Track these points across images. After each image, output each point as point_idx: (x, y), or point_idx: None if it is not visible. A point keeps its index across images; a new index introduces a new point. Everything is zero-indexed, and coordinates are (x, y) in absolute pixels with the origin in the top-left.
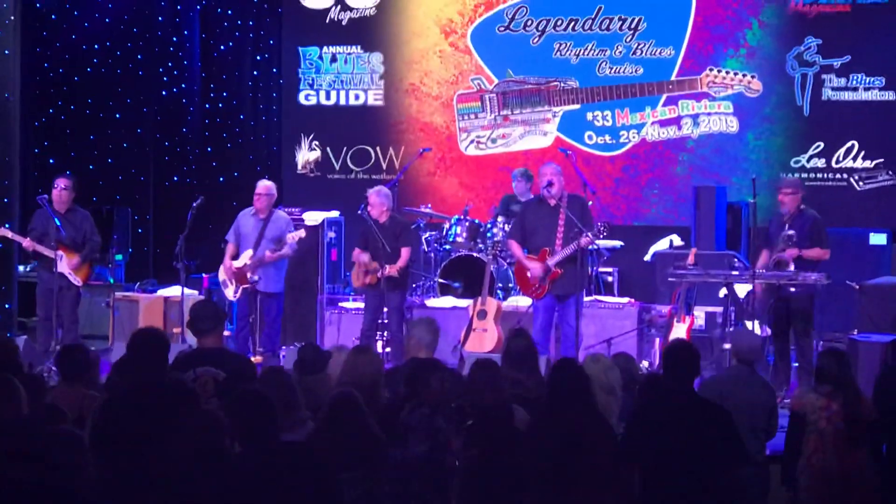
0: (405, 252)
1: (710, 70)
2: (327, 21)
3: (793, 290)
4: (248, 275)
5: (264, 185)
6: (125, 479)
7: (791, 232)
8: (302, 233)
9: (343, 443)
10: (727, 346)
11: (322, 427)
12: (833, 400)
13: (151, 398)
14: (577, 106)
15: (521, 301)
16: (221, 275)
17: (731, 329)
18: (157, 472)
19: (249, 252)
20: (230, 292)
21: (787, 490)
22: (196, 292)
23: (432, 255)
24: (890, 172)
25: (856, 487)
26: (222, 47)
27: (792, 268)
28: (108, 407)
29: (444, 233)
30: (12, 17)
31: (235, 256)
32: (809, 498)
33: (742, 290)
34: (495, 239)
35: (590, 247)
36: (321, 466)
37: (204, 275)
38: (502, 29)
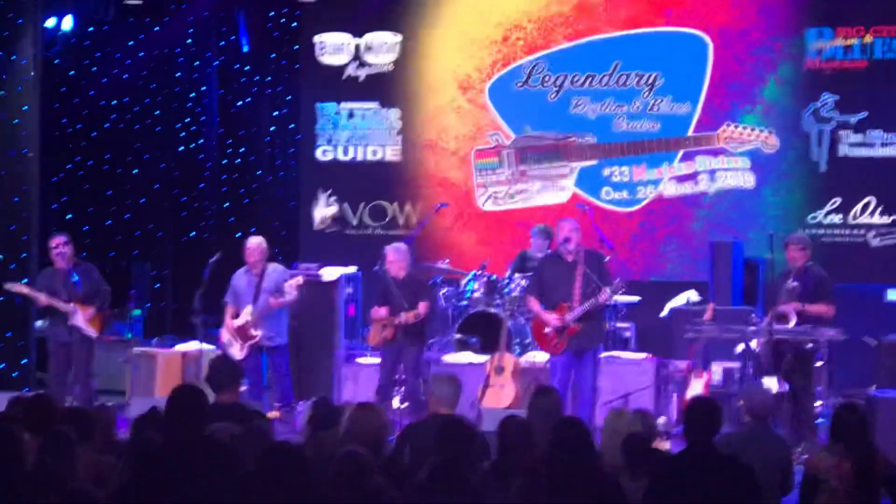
0: (423, 306)
1: (727, 126)
2: (344, 77)
3: (809, 345)
4: (252, 331)
5: (255, 242)
6: None
7: (794, 284)
8: (300, 279)
9: None
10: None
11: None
12: (846, 459)
13: (189, 455)
14: (594, 161)
15: (539, 357)
16: (225, 336)
17: (742, 385)
18: None
19: (249, 308)
20: (236, 351)
21: None
22: (213, 347)
23: (449, 310)
24: None
25: None
26: (240, 103)
27: (792, 322)
28: (142, 463)
29: (461, 288)
30: (31, 73)
31: (236, 316)
32: None
33: (759, 345)
34: (512, 294)
35: (607, 302)
36: None
37: (221, 330)
38: (520, 84)
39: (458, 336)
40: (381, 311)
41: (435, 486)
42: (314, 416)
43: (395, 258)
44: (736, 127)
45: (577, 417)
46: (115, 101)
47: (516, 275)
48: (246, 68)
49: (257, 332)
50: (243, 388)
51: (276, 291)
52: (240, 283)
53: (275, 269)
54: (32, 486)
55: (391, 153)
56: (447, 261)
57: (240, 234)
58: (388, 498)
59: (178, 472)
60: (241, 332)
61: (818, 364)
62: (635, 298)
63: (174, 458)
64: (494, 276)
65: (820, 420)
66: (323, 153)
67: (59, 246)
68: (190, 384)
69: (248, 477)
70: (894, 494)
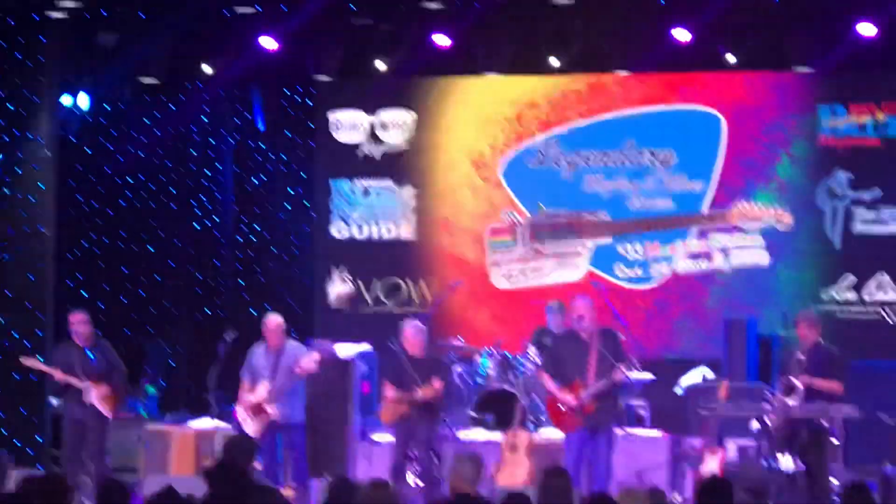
0: (437, 383)
1: (741, 203)
2: (359, 155)
3: (824, 422)
4: (268, 408)
5: (274, 321)
6: None
7: (802, 358)
8: (316, 356)
9: None
10: None
11: None
12: None
13: None
14: (608, 239)
15: (553, 434)
16: (240, 412)
17: (738, 464)
18: None
19: (266, 384)
20: (250, 428)
21: None
22: (227, 425)
23: (463, 388)
24: None
25: None
26: (255, 181)
27: (798, 394)
28: None
29: (475, 366)
30: (47, 151)
31: (252, 392)
32: None
33: (774, 423)
34: (527, 372)
35: (623, 381)
36: None
37: (235, 407)
38: (533, 163)
39: (472, 413)
40: (388, 391)
41: None
42: (331, 495)
43: (413, 335)
44: (750, 204)
45: (606, 494)
46: (131, 179)
47: (532, 350)
48: (261, 146)
49: (272, 410)
50: (258, 466)
51: (293, 369)
52: (258, 359)
53: (294, 346)
54: None
55: (405, 231)
56: (461, 338)
57: (255, 311)
58: None
59: None
60: (256, 409)
61: (833, 441)
62: (650, 376)
63: None
64: (508, 353)
65: (835, 498)
66: (338, 231)
67: (78, 324)
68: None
69: None
70: None
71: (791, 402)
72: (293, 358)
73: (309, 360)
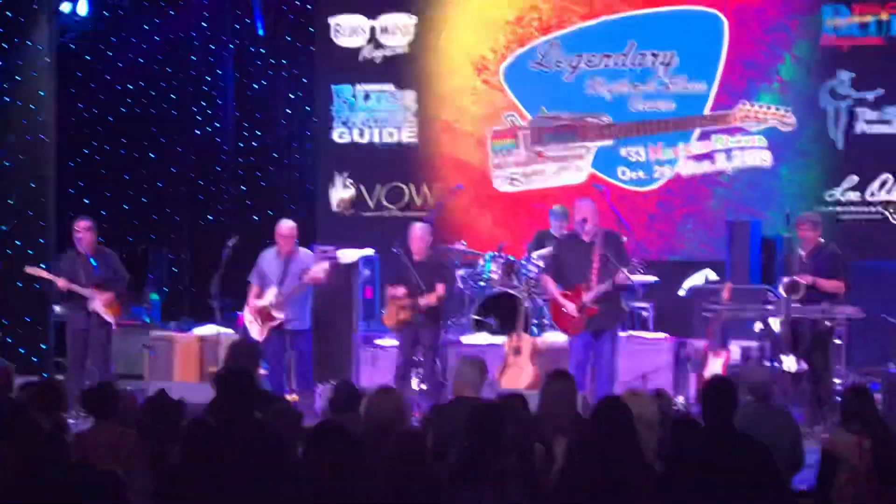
0: (440, 287)
1: (744, 104)
2: (360, 59)
3: (828, 323)
4: (274, 313)
5: (287, 227)
6: None
7: (802, 254)
8: (327, 265)
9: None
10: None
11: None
12: (864, 438)
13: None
14: (610, 142)
15: (557, 337)
16: (247, 315)
17: (741, 365)
18: None
19: (274, 290)
20: (256, 332)
21: None
22: (231, 331)
23: (467, 292)
24: None
25: None
26: (255, 86)
27: (801, 292)
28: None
29: (479, 270)
30: (47, 59)
31: (259, 297)
32: None
33: (777, 324)
34: (530, 276)
35: (625, 283)
36: None
37: (239, 313)
38: (535, 65)
39: (475, 317)
40: (398, 290)
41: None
42: (335, 399)
43: (419, 236)
44: (752, 105)
45: (619, 398)
46: (132, 86)
47: (534, 254)
48: (261, 51)
49: (279, 315)
50: (263, 372)
51: (301, 276)
52: (268, 264)
53: (305, 254)
54: (48, 463)
55: (407, 135)
56: (464, 242)
57: (257, 217)
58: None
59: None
60: (263, 314)
61: (837, 342)
62: (653, 278)
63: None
64: (511, 257)
65: (839, 399)
66: (339, 136)
67: (83, 231)
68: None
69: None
70: None
71: (795, 301)
72: (303, 264)
73: (318, 268)
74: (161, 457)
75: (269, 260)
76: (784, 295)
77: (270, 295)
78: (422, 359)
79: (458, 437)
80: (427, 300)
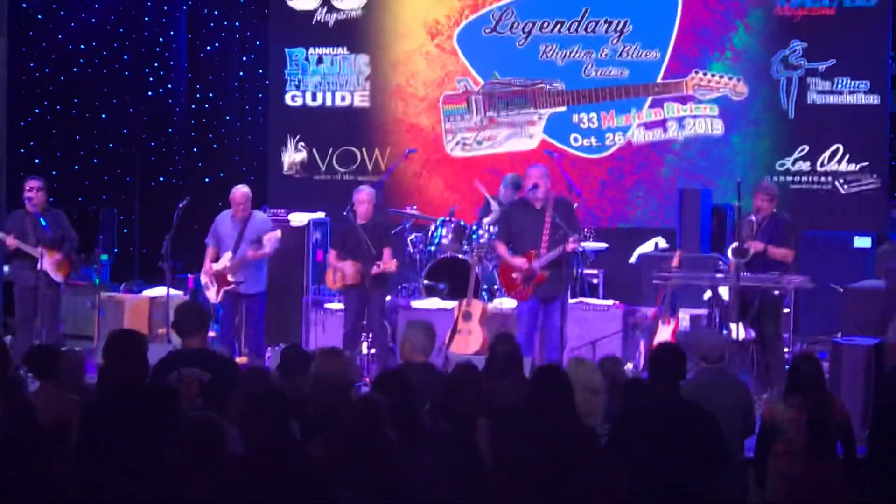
0: (387, 252)
1: (696, 73)
2: (314, 22)
3: (776, 292)
4: (230, 276)
5: (241, 193)
6: (114, 485)
7: (752, 218)
8: (278, 233)
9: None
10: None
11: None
12: (802, 410)
13: (134, 401)
14: (563, 108)
15: (506, 303)
16: (203, 278)
17: (692, 332)
18: (146, 476)
19: (229, 254)
20: (212, 295)
21: (760, 491)
22: (181, 293)
23: (417, 256)
24: (874, 176)
25: (822, 494)
26: (208, 48)
27: (748, 256)
28: (92, 411)
29: (430, 234)
30: None
31: (216, 259)
32: (776, 501)
33: (726, 292)
34: (481, 241)
35: (575, 250)
36: (322, 473)
37: (189, 275)
38: (488, 31)
39: (426, 282)
40: (339, 262)
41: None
42: (284, 362)
43: (363, 200)
44: (705, 74)
45: (557, 364)
46: (84, 46)
47: (485, 220)
48: (215, 13)
49: (234, 279)
50: (212, 334)
51: (257, 241)
52: (223, 227)
53: (260, 218)
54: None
55: (359, 99)
56: (415, 207)
57: (208, 178)
58: (394, 446)
59: (123, 418)
60: (219, 277)
61: (785, 311)
62: (603, 245)
63: (117, 403)
64: (462, 223)
65: (786, 367)
66: (292, 98)
67: (33, 190)
68: (127, 329)
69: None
70: (846, 444)
71: (743, 264)
72: (257, 230)
73: (270, 238)
74: None
75: (224, 223)
76: (732, 259)
77: (226, 259)
78: (371, 323)
79: (406, 403)
80: (385, 267)
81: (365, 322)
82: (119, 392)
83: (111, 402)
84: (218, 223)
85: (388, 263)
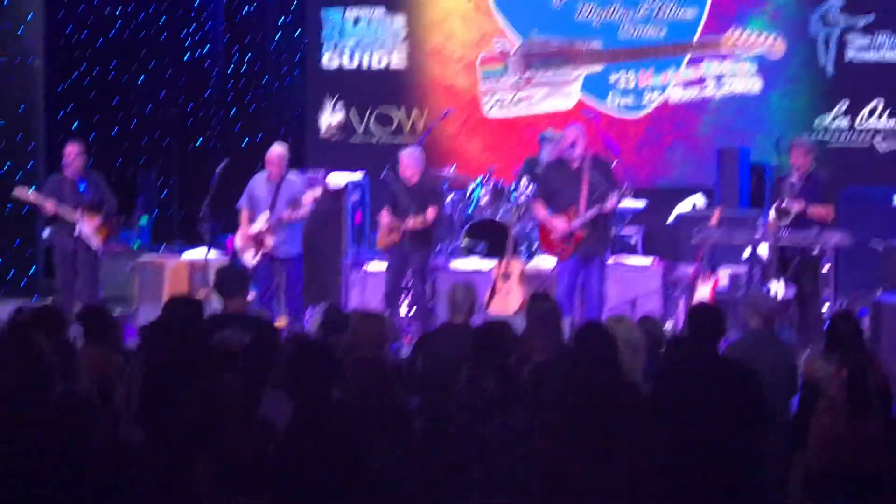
0: (432, 210)
1: (734, 31)
2: None
3: (816, 250)
4: (267, 239)
5: (277, 151)
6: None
7: (793, 179)
8: (318, 191)
9: (370, 410)
10: None
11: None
12: (843, 366)
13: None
14: (600, 68)
15: (545, 262)
16: (238, 241)
17: (746, 291)
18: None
19: (266, 215)
20: (249, 257)
21: (801, 449)
22: (220, 255)
23: (456, 217)
24: None
25: (863, 453)
26: (245, 10)
27: (791, 218)
28: (152, 373)
29: (468, 195)
30: None
31: (251, 222)
32: (816, 460)
33: (766, 249)
34: (519, 201)
35: (614, 208)
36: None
37: (229, 237)
38: None
39: (464, 242)
40: (384, 217)
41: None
42: (324, 322)
43: (409, 162)
44: (742, 32)
45: (599, 321)
46: (120, 9)
47: (523, 180)
48: None
49: (270, 241)
50: (252, 296)
51: (292, 201)
52: (258, 189)
53: (295, 178)
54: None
55: (396, 60)
56: (453, 167)
57: (246, 140)
58: (403, 403)
59: (185, 381)
60: (256, 240)
61: (825, 268)
62: (642, 204)
63: (180, 367)
64: (500, 183)
65: (827, 324)
66: (329, 60)
67: (73, 155)
68: (184, 295)
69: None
70: (885, 403)
71: (784, 225)
72: (292, 191)
73: (308, 197)
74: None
75: (259, 185)
76: (773, 218)
77: (262, 220)
78: (411, 283)
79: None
80: (414, 222)
81: (405, 283)
82: (180, 354)
83: (171, 362)
84: (253, 185)
85: (415, 219)
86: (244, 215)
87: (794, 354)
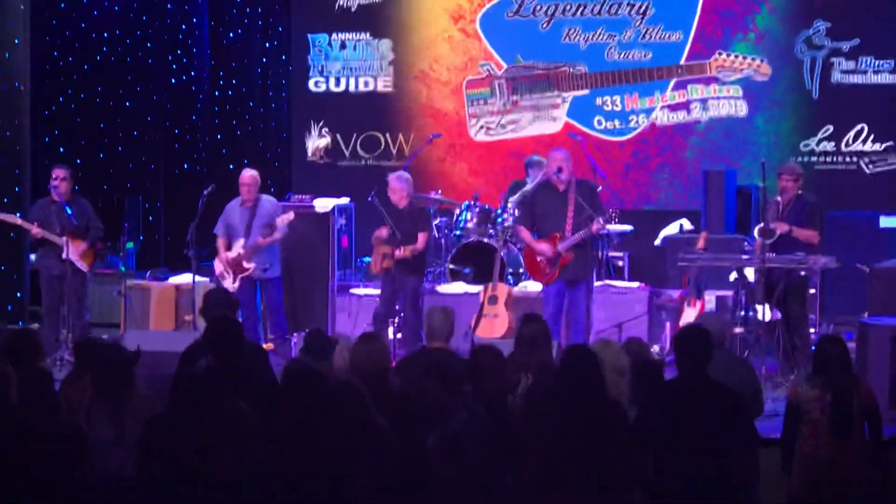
0: (422, 237)
1: (719, 54)
2: (336, 8)
3: (802, 273)
4: (245, 263)
5: (250, 175)
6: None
7: (778, 199)
8: (291, 215)
9: (347, 436)
10: (738, 329)
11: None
12: (827, 390)
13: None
14: (586, 91)
15: (532, 286)
16: (218, 267)
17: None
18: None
19: (241, 241)
20: (229, 283)
21: (785, 476)
22: (207, 279)
23: (442, 241)
24: None
25: (847, 477)
26: (231, 35)
27: (775, 237)
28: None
29: (455, 219)
30: (22, 7)
31: (228, 248)
32: (801, 484)
33: (752, 274)
34: (505, 224)
35: (600, 232)
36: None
37: (215, 262)
38: (511, 14)
39: (451, 266)
40: (381, 232)
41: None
42: (308, 348)
43: (398, 186)
44: (728, 56)
45: (585, 344)
46: (107, 34)
47: (510, 204)
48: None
49: (250, 265)
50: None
51: (267, 225)
52: (233, 216)
53: (268, 201)
54: (18, 419)
55: (383, 84)
56: (439, 191)
57: (232, 165)
58: (379, 428)
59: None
60: (234, 265)
61: (811, 292)
62: (628, 227)
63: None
64: (487, 206)
65: (813, 348)
66: (315, 84)
67: (59, 179)
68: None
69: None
70: (873, 425)
71: (768, 242)
72: (267, 214)
73: (283, 220)
74: (117, 411)
75: (233, 211)
76: (758, 240)
77: (238, 246)
78: (401, 307)
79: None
80: (404, 251)
81: (397, 306)
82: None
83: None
84: (227, 212)
85: (404, 249)
86: (221, 242)
87: (752, 371)
